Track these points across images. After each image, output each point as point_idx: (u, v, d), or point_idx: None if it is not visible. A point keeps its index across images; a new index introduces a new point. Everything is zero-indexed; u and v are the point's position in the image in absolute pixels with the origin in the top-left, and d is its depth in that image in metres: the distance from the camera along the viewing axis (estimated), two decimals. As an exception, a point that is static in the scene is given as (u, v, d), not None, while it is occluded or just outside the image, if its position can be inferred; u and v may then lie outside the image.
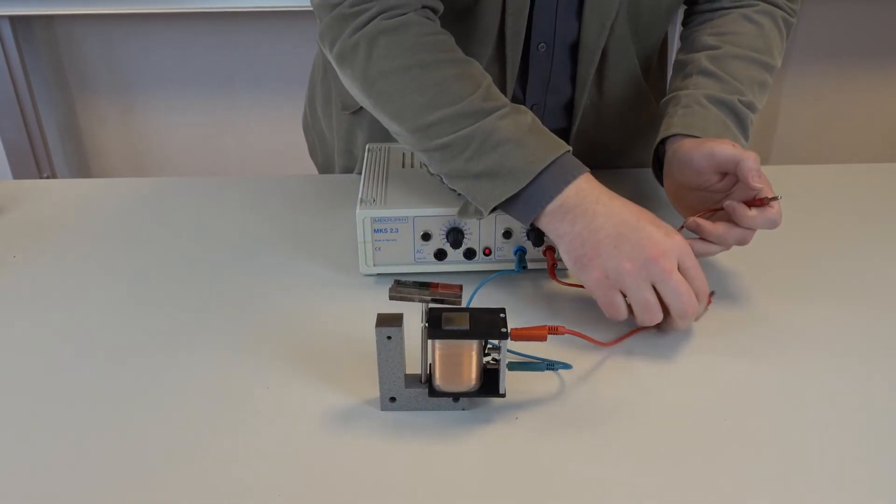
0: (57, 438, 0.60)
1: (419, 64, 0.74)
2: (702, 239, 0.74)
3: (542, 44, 0.90)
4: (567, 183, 0.69)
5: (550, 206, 0.70)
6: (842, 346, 0.70)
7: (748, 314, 0.74)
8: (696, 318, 0.72)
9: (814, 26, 2.08)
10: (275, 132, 2.22)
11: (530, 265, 0.78)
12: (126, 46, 2.10)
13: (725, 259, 0.83)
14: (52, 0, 1.90)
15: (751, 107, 0.82)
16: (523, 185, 0.69)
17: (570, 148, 0.72)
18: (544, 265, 0.78)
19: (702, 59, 0.84)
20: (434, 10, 0.81)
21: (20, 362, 0.68)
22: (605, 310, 0.69)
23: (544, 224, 0.71)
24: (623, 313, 0.68)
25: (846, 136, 2.28)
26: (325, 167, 1.14)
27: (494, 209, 0.72)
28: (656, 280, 0.65)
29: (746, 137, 0.82)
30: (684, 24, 0.95)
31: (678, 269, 0.66)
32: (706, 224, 0.73)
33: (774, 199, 0.71)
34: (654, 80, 1.01)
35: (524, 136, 0.70)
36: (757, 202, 0.71)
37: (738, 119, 0.81)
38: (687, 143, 0.76)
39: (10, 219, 0.92)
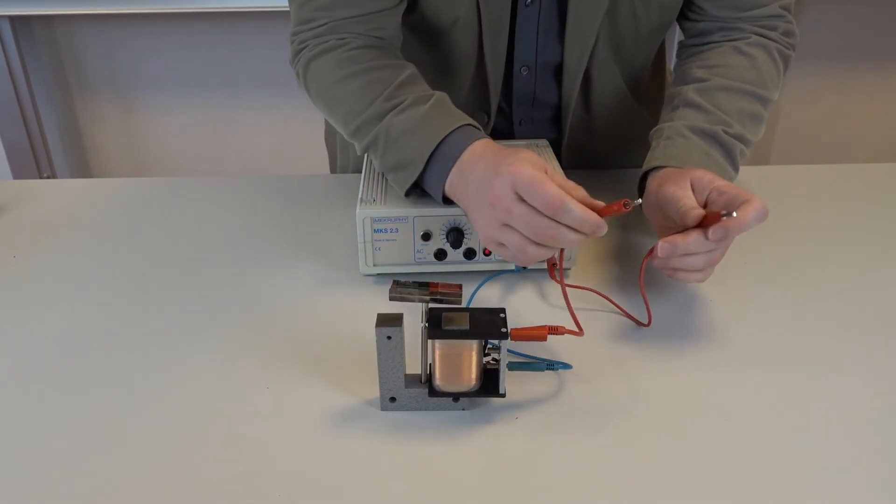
0: (56, 438, 0.60)
1: (337, 80, 0.82)
2: (680, 257, 0.68)
3: (525, 67, 0.92)
4: (453, 160, 0.72)
5: (447, 188, 0.73)
6: (841, 346, 0.70)
7: (747, 314, 0.74)
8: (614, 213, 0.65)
9: (814, 26, 2.08)
10: (275, 132, 2.22)
11: (529, 265, 0.78)
12: (126, 46, 2.10)
13: (724, 259, 0.83)
14: (52, 0, 1.90)
15: (740, 138, 0.80)
16: (420, 171, 0.74)
17: (457, 125, 0.74)
18: (544, 265, 0.78)
19: (689, 91, 0.84)
20: (381, 38, 0.86)
21: (20, 362, 0.68)
22: (506, 259, 0.69)
23: (457, 203, 0.73)
24: (512, 257, 0.68)
25: (846, 136, 2.28)
26: (332, 156, 1.16)
27: (424, 195, 0.77)
28: (506, 222, 0.65)
29: (735, 168, 0.80)
30: (678, 56, 0.95)
31: (522, 200, 0.64)
32: (678, 238, 0.67)
33: (727, 214, 0.65)
34: (647, 95, 1.01)
35: (416, 127, 0.75)
36: (710, 218, 0.66)
37: (723, 149, 0.79)
38: (660, 178, 0.74)
39: (10, 219, 0.92)
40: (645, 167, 0.79)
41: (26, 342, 0.71)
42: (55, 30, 2.08)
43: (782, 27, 0.89)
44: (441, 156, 0.73)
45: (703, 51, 0.89)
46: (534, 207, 0.63)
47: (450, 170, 0.72)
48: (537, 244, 0.65)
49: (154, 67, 2.13)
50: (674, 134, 0.79)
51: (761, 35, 0.88)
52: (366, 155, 0.89)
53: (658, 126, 0.83)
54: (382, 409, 0.62)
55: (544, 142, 0.92)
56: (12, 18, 1.98)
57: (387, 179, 0.82)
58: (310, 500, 0.54)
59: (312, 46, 0.85)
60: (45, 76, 2.14)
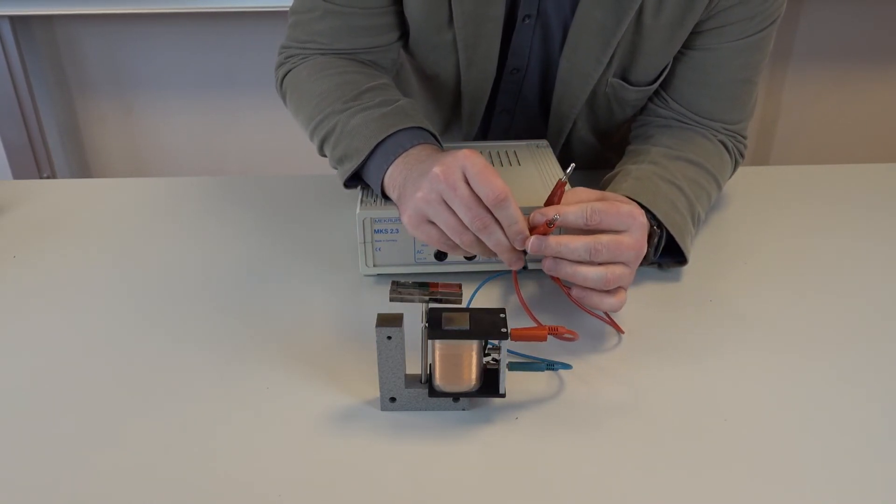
0: (56, 439, 0.60)
1: (312, 79, 0.85)
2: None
3: (504, 112, 0.97)
4: (397, 155, 0.73)
5: (386, 178, 0.74)
6: (840, 346, 0.70)
7: (746, 313, 0.74)
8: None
9: (814, 26, 2.08)
10: (275, 132, 2.22)
11: (530, 265, 0.78)
12: (126, 46, 2.09)
13: (723, 259, 0.83)
14: (52, 0, 1.90)
15: (696, 205, 0.81)
16: (363, 159, 0.75)
17: (414, 125, 0.75)
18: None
19: (657, 154, 0.84)
20: (367, 61, 0.89)
21: (19, 362, 0.68)
22: (425, 241, 0.68)
23: (393, 195, 0.73)
24: (436, 239, 0.67)
25: (846, 136, 2.28)
26: None
27: (364, 186, 0.79)
28: (445, 198, 0.64)
29: (695, 223, 0.81)
30: (637, 122, 0.96)
31: (467, 182, 0.63)
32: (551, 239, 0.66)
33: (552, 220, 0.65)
34: (619, 144, 1.03)
35: (372, 122, 0.77)
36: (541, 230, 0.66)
37: (688, 202, 0.80)
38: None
39: (10, 219, 0.92)
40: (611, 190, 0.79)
41: (26, 342, 0.71)
42: (55, 30, 2.07)
43: (740, 143, 0.92)
44: (387, 147, 0.74)
45: (671, 125, 0.90)
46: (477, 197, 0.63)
47: (392, 162, 0.73)
48: (470, 234, 0.64)
49: (154, 67, 2.12)
50: (642, 176, 0.80)
51: (724, 132, 0.90)
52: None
53: (625, 167, 0.84)
54: (382, 410, 0.62)
55: (544, 142, 0.92)
56: (12, 18, 1.98)
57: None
58: (309, 501, 0.54)
59: (298, 60, 0.89)
60: (45, 76, 2.14)
